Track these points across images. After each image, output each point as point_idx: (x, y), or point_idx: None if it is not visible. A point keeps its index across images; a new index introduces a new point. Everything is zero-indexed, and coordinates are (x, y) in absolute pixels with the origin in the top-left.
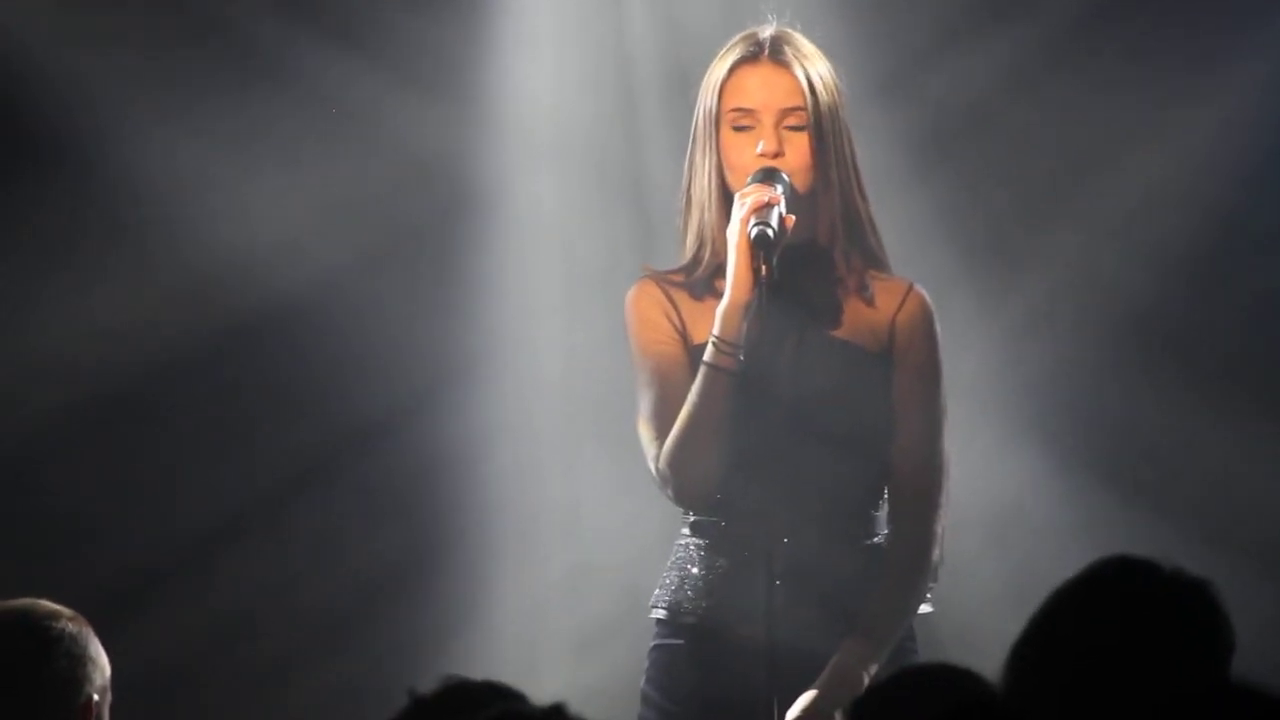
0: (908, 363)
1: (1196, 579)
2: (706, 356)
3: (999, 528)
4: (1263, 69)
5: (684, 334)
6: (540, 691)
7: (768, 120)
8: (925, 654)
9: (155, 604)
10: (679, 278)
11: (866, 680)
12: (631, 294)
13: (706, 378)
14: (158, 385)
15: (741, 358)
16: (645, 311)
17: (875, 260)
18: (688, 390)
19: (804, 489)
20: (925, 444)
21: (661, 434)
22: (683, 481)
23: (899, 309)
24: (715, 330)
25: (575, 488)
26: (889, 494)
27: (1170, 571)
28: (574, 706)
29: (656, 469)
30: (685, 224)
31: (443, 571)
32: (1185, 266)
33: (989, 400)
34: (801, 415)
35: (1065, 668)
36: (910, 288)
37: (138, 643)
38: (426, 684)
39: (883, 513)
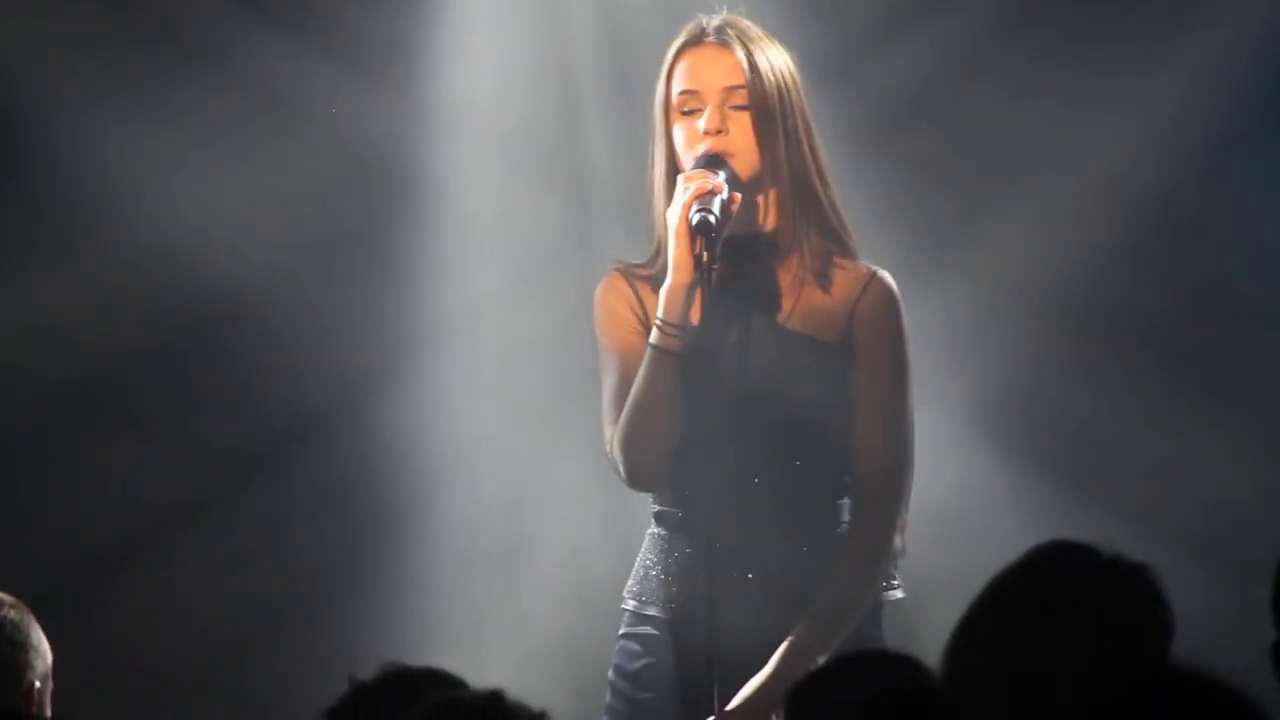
0: (869, 355)
1: (1135, 563)
2: (651, 338)
3: (944, 517)
4: (1206, 55)
5: (647, 325)
6: (481, 679)
7: (712, 100)
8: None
9: (98, 593)
10: (645, 270)
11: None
12: (599, 287)
13: (651, 359)
14: (97, 378)
15: (686, 338)
16: (609, 303)
17: (840, 245)
18: None
19: (750, 481)
20: (888, 438)
21: (618, 421)
22: (632, 462)
23: (859, 298)
24: (659, 312)
25: (516, 478)
26: (851, 485)
27: (1109, 556)
28: (514, 693)
29: (609, 452)
30: (649, 215)
31: (384, 560)
32: (1128, 257)
33: (933, 390)
34: (745, 405)
35: (1004, 652)
36: (873, 275)
37: (82, 631)
38: (367, 670)
39: (846, 503)
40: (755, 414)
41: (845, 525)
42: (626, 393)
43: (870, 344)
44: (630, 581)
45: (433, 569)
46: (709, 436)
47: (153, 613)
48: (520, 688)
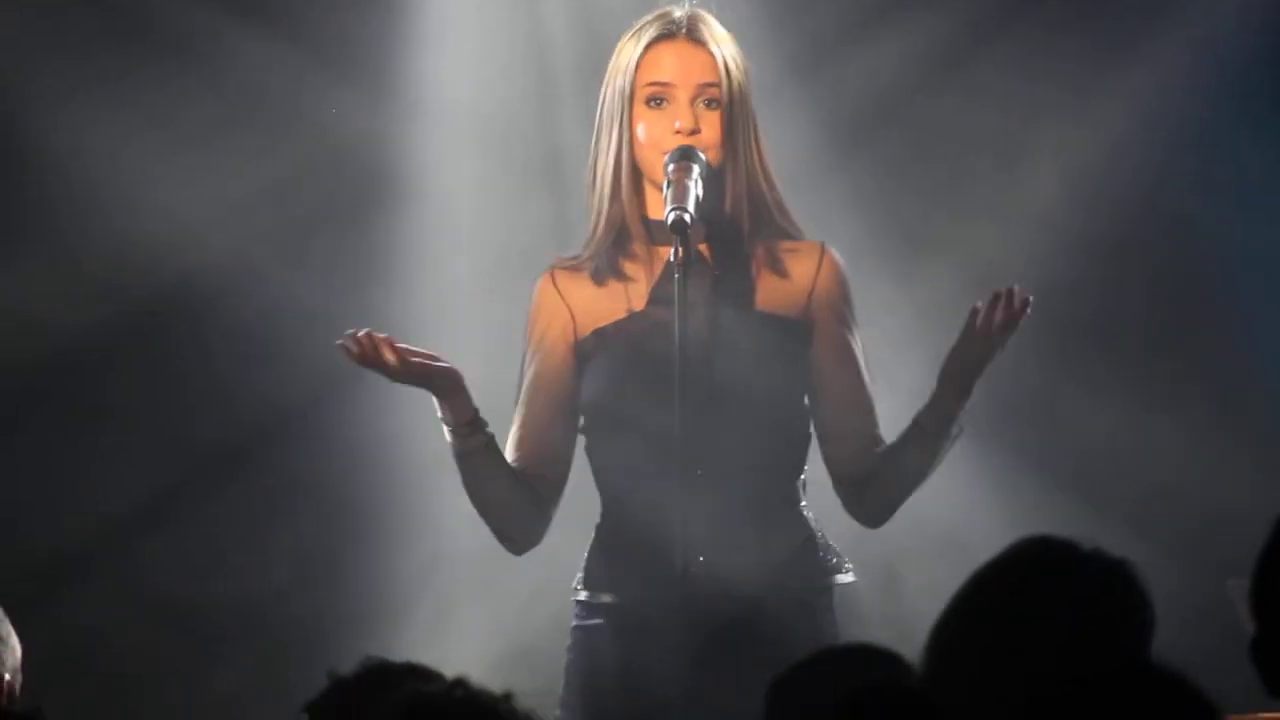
0: (831, 323)
1: (1115, 558)
2: (453, 446)
3: (925, 515)
4: (1180, 54)
5: (575, 325)
6: (458, 672)
7: (683, 96)
8: (850, 634)
9: (74, 588)
10: (585, 262)
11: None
12: (536, 285)
13: (463, 464)
14: (70, 370)
15: (480, 429)
16: (538, 307)
17: (786, 238)
18: (552, 387)
19: (730, 466)
20: (860, 395)
21: (521, 425)
22: (502, 539)
23: (817, 272)
24: (446, 419)
25: None
26: (835, 447)
27: (1089, 550)
28: (490, 685)
29: None
30: (588, 201)
31: (361, 555)
32: (1101, 251)
33: (904, 384)
34: (722, 391)
35: (984, 647)
36: (824, 249)
37: (52, 625)
38: (347, 665)
39: (800, 482)
40: (730, 402)
41: (804, 504)
42: (531, 399)
43: (833, 312)
44: (581, 573)
45: (408, 565)
46: (680, 429)
47: (125, 607)
48: (498, 681)
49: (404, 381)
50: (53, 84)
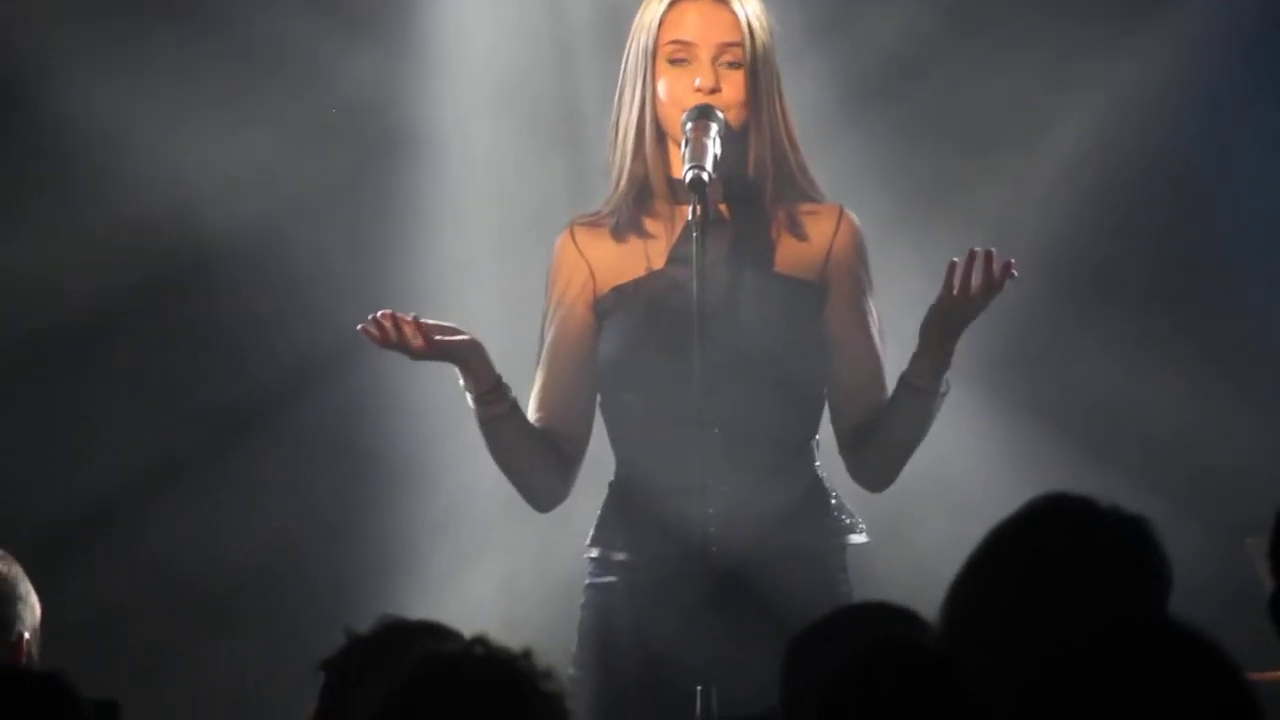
0: (846, 285)
1: (1133, 515)
2: (477, 413)
3: (939, 471)
4: (1196, 17)
5: (594, 282)
6: (477, 630)
7: (704, 55)
8: (863, 594)
9: (89, 549)
10: (605, 218)
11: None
12: (556, 242)
13: (488, 430)
14: (89, 331)
15: (505, 395)
16: (558, 264)
17: (808, 200)
18: (573, 346)
19: (743, 426)
20: (870, 358)
21: (543, 385)
22: (527, 498)
23: (834, 234)
24: (469, 388)
25: None
26: (841, 408)
27: (1106, 508)
28: (507, 642)
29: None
30: (610, 157)
31: (378, 513)
32: (1117, 213)
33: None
34: (739, 351)
35: (1002, 605)
36: (842, 211)
37: (72, 587)
38: (364, 623)
39: (814, 443)
40: (751, 362)
41: (819, 465)
42: (553, 357)
43: (850, 275)
44: (594, 531)
45: (431, 522)
46: (700, 388)
47: (140, 567)
48: (515, 639)
49: (426, 359)
50: (68, 47)
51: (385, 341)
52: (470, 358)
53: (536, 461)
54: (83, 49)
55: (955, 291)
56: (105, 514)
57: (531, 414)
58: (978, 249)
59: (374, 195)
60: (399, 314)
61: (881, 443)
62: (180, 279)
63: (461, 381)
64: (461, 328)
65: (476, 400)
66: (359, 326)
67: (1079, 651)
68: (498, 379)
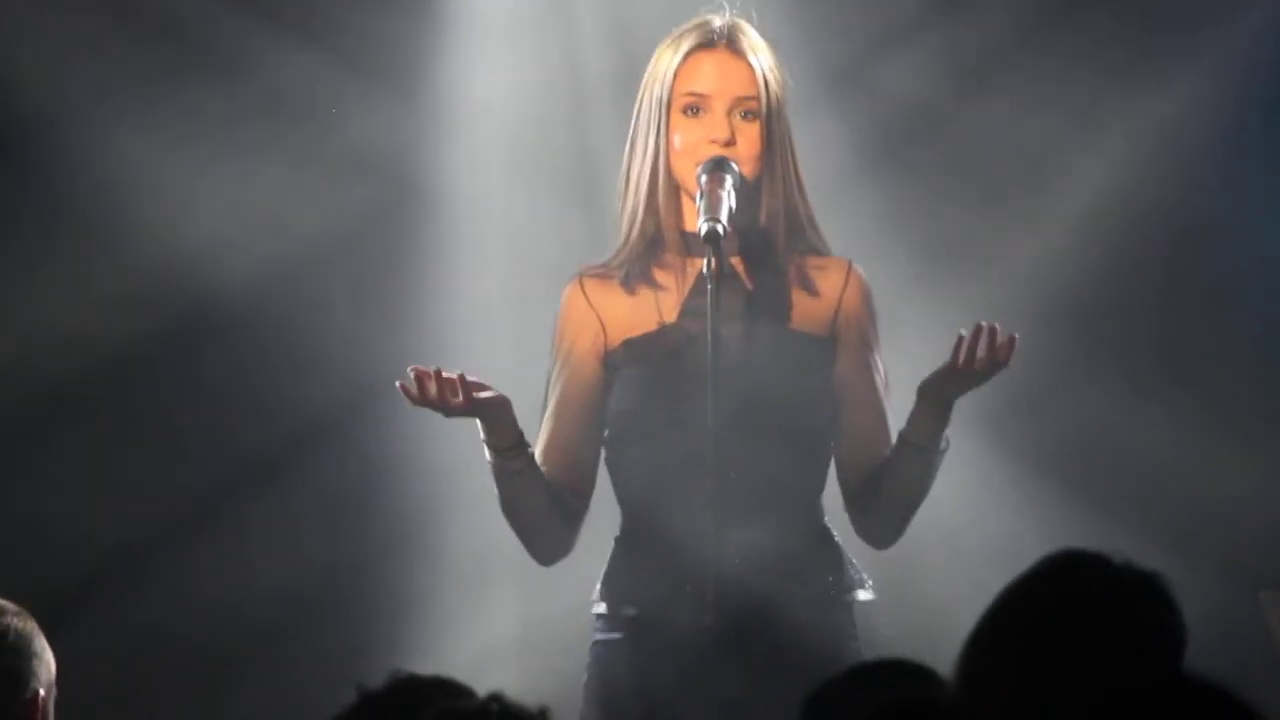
0: (854, 340)
1: (1147, 571)
2: (493, 466)
3: (953, 523)
4: (1211, 68)
5: (605, 335)
6: (489, 688)
7: (720, 107)
8: (869, 650)
9: (104, 603)
10: (615, 270)
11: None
12: (564, 292)
13: (503, 483)
14: (104, 381)
15: (523, 450)
16: (566, 315)
17: (816, 253)
18: (581, 401)
19: (754, 480)
20: (875, 414)
21: (550, 439)
22: (533, 553)
23: (844, 289)
24: (489, 440)
25: None
26: (847, 463)
27: (1120, 564)
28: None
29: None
30: (621, 207)
31: (392, 569)
32: (1135, 265)
33: None
34: (751, 406)
35: (1016, 662)
36: (850, 266)
37: (87, 641)
38: (375, 680)
39: (822, 499)
40: (761, 416)
41: (826, 520)
42: (559, 411)
43: (858, 332)
44: (601, 586)
45: (442, 577)
46: (710, 442)
47: (151, 623)
48: (527, 696)
49: (460, 416)
50: (90, 97)
51: (424, 398)
52: (500, 414)
53: (547, 516)
54: (94, 99)
55: (961, 364)
56: (116, 569)
57: (538, 464)
58: (984, 324)
59: (388, 247)
60: (443, 370)
61: (884, 499)
62: (192, 330)
63: (484, 435)
64: (488, 384)
65: (497, 454)
66: (398, 384)
67: (1096, 710)
68: (520, 435)
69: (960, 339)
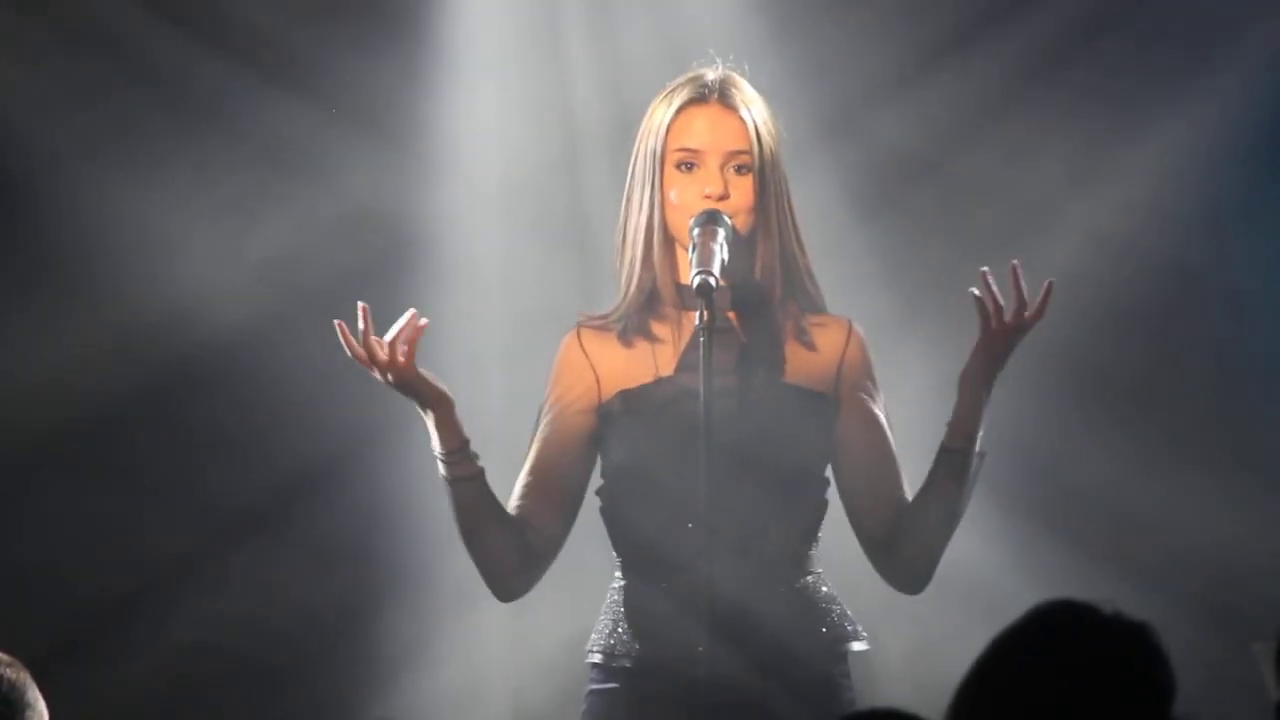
0: (857, 397)
1: (1136, 622)
2: (442, 473)
3: (942, 576)
4: (1206, 117)
5: (599, 387)
6: None
7: (713, 162)
8: (865, 699)
9: (93, 654)
10: (612, 323)
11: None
12: (562, 342)
13: (453, 492)
14: (96, 429)
15: (470, 457)
16: (562, 365)
17: (814, 307)
18: (565, 443)
19: (747, 533)
20: (887, 458)
21: (528, 473)
22: (488, 581)
23: (845, 348)
24: (437, 447)
25: None
26: (866, 511)
27: (1110, 614)
28: None
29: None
30: (619, 262)
31: (383, 617)
32: (1126, 316)
33: (928, 448)
34: (746, 460)
35: (1007, 713)
36: (850, 325)
37: (77, 693)
38: None
39: (815, 551)
40: (754, 470)
41: (816, 572)
42: (539, 460)
43: (860, 390)
44: (595, 636)
45: (433, 625)
46: (703, 494)
47: (143, 670)
48: None
49: (398, 383)
50: (78, 147)
51: (366, 347)
52: (440, 407)
53: (497, 540)
54: (94, 151)
55: (995, 326)
56: (109, 619)
57: (513, 500)
58: (987, 269)
59: (381, 295)
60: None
61: (920, 529)
62: (185, 380)
63: (432, 440)
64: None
65: (443, 458)
66: (336, 322)
67: None
68: (465, 441)
69: (978, 300)
